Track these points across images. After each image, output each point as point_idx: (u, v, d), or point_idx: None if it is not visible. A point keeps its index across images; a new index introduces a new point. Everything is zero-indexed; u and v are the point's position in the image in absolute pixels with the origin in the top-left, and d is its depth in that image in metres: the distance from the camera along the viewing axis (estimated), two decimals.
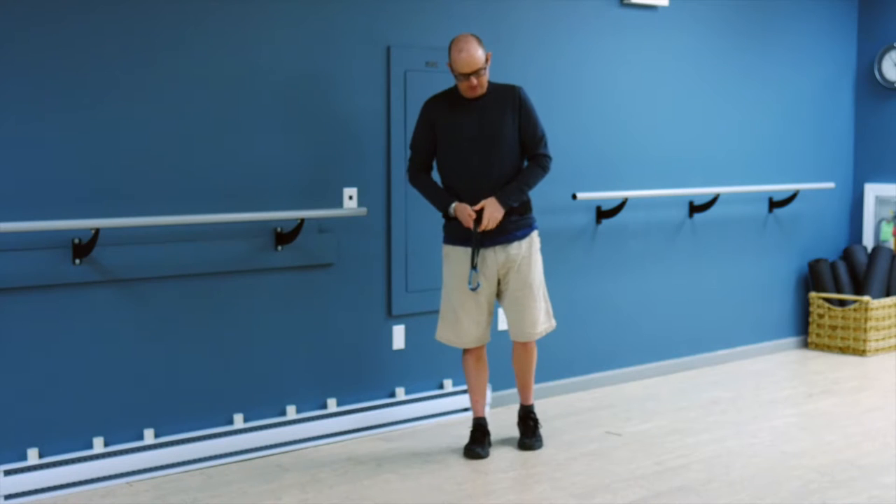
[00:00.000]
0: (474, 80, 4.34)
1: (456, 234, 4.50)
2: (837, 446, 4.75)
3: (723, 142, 6.39)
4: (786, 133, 6.77)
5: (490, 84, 4.48)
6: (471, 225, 4.38)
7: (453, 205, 4.42)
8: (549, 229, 5.21)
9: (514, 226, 4.49)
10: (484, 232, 4.41)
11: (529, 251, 4.54)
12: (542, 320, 4.63)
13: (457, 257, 4.52)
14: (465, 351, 4.66)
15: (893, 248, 7.02)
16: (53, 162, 4.04)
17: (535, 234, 4.58)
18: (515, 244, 4.50)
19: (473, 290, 4.42)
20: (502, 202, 4.37)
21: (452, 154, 4.47)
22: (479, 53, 4.31)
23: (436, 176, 4.62)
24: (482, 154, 4.42)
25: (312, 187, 4.71)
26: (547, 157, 4.51)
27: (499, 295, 4.60)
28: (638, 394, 5.74)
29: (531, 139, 4.48)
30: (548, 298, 4.67)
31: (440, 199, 4.48)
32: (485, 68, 4.35)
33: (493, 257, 4.50)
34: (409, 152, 4.95)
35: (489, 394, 5.12)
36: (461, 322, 4.55)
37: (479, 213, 4.38)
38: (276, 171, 4.60)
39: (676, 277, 6.21)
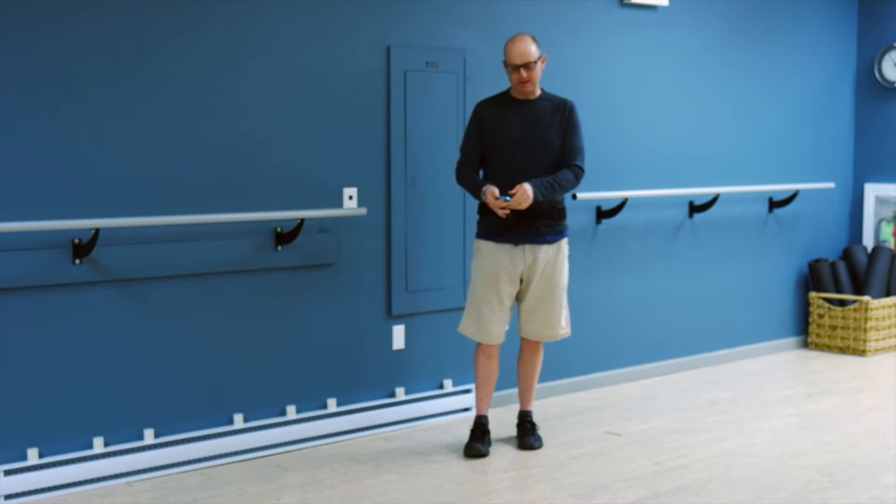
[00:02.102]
0: (524, 73, 4.43)
1: (488, 229, 4.53)
2: (837, 446, 4.75)
3: (723, 142, 6.39)
4: (786, 133, 6.77)
5: (543, 91, 4.59)
6: (496, 206, 4.36)
7: (485, 188, 4.42)
8: None
9: (547, 229, 4.53)
10: (521, 228, 4.46)
11: (557, 256, 4.58)
12: (563, 325, 4.67)
13: (488, 252, 4.54)
14: (479, 348, 4.66)
15: (893, 248, 7.02)
16: (53, 162, 4.04)
17: (564, 241, 4.63)
18: (545, 247, 4.54)
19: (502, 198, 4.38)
20: (534, 189, 4.36)
21: (498, 154, 4.52)
22: (531, 49, 4.44)
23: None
24: (527, 156, 4.47)
25: (312, 187, 4.71)
26: (580, 169, 4.56)
27: (519, 294, 4.62)
28: (638, 394, 5.74)
29: (570, 148, 4.54)
30: (568, 306, 4.70)
31: (476, 187, 4.50)
32: (536, 63, 4.44)
33: (522, 256, 4.52)
34: (409, 155, 4.97)
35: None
36: (483, 317, 4.57)
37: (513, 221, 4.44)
38: (276, 171, 4.60)
39: (676, 277, 6.21)
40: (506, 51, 4.48)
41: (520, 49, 4.43)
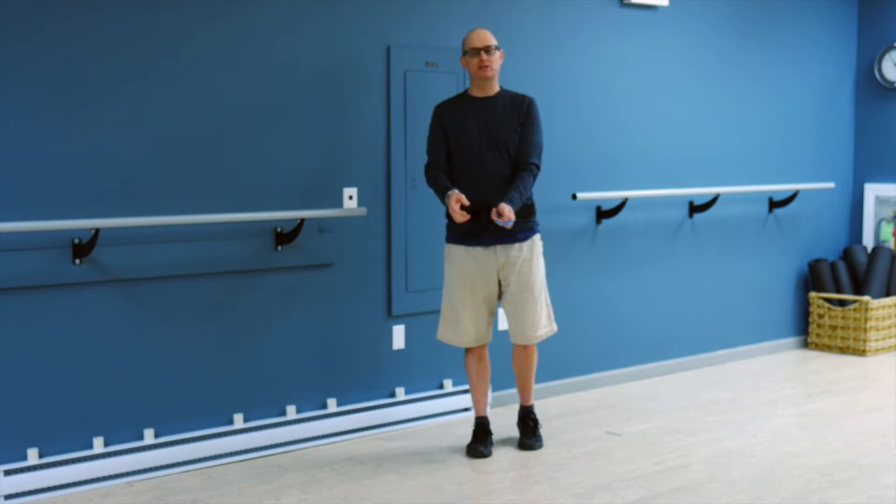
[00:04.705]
0: (485, 56, 4.44)
1: (457, 232, 4.51)
2: (837, 446, 4.75)
3: (723, 142, 6.39)
4: (786, 133, 6.77)
5: (502, 88, 4.57)
6: (457, 215, 4.30)
7: (450, 192, 4.37)
8: (549, 229, 5.21)
9: (517, 227, 4.49)
10: (489, 230, 4.42)
11: (531, 254, 4.55)
12: (544, 324, 4.63)
13: (459, 256, 4.53)
14: (467, 350, 4.66)
15: (893, 248, 7.02)
16: (53, 162, 4.04)
17: (537, 238, 4.59)
18: (517, 246, 4.51)
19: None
20: (510, 209, 4.32)
21: (459, 153, 4.49)
22: (491, 36, 4.48)
23: None
24: (486, 154, 4.45)
25: (312, 187, 4.71)
26: (538, 168, 4.52)
27: (500, 297, 4.61)
28: (638, 394, 5.74)
29: (527, 145, 4.49)
30: (549, 303, 4.68)
31: (441, 188, 4.45)
32: (496, 49, 4.48)
33: (494, 258, 4.50)
34: (409, 155, 4.97)
35: (489, 393, 5.12)
36: (461, 321, 4.56)
37: (478, 211, 4.38)
38: (276, 171, 4.60)
39: (676, 277, 6.21)
40: (465, 41, 4.51)
41: (480, 34, 4.48)
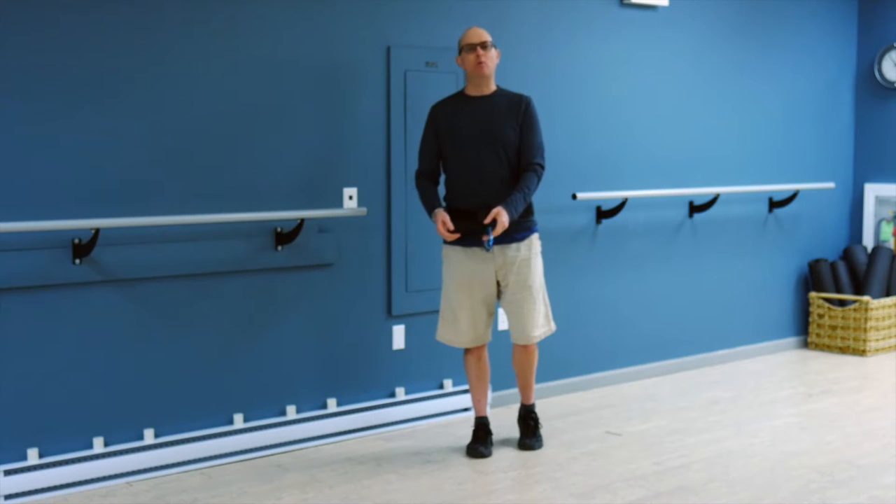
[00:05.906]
0: (481, 51, 4.42)
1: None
2: (837, 446, 4.75)
3: (723, 142, 6.39)
4: (786, 133, 6.77)
5: (499, 88, 4.55)
6: (446, 237, 4.36)
7: (436, 211, 4.41)
8: (549, 229, 5.22)
9: (514, 228, 4.48)
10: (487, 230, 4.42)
11: (529, 253, 4.54)
12: (541, 323, 4.63)
13: (456, 258, 4.53)
14: (466, 351, 4.66)
15: (893, 248, 7.03)
16: (53, 162, 4.04)
17: (535, 237, 4.58)
18: (514, 246, 4.51)
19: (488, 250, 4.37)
20: (509, 212, 4.35)
21: (454, 154, 4.48)
22: (487, 33, 4.48)
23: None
24: (481, 154, 4.44)
25: (312, 187, 4.71)
26: (542, 167, 4.51)
27: (499, 296, 4.61)
28: (638, 394, 5.74)
29: (529, 146, 4.48)
30: (548, 302, 4.67)
31: (428, 203, 4.48)
32: (492, 46, 4.47)
33: (492, 258, 4.50)
34: (409, 155, 4.97)
35: (489, 393, 5.12)
36: (460, 322, 4.56)
37: (474, 221, 4.38)
38: (275, 171, 4.60)
39: (676, 277, 6.21)
40: (461, 39, 4.50)
41: (475, 31, 4.49)
